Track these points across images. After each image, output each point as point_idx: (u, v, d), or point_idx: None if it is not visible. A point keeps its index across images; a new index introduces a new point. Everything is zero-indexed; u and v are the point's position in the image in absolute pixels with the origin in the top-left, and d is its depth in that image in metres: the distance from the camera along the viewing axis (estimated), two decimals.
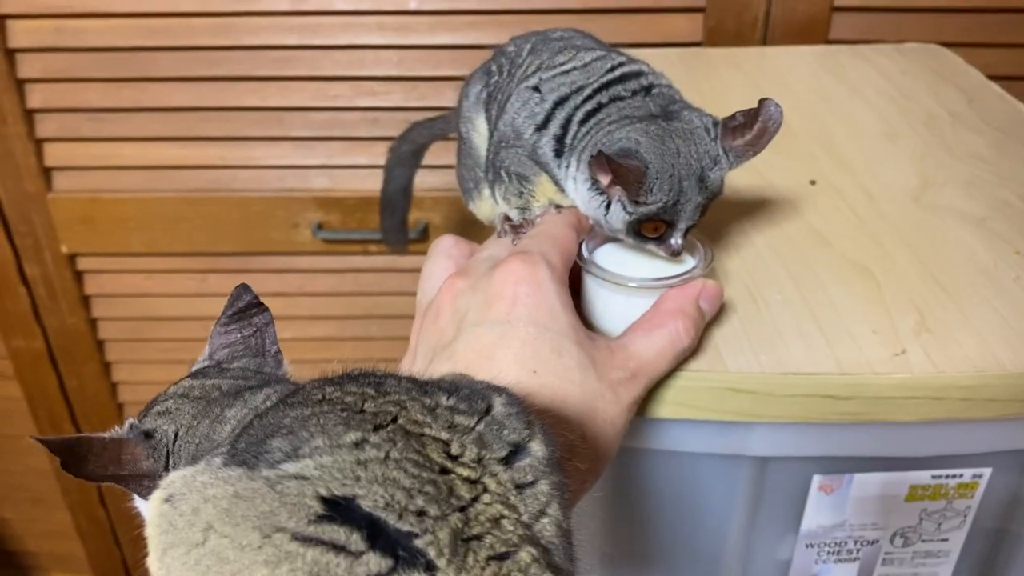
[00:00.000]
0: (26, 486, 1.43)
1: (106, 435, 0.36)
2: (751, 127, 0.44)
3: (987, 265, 0.53)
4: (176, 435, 0.37)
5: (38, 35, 1.03)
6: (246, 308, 0.43)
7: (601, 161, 0.43)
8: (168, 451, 0.36)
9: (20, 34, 1.03)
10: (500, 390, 0.32)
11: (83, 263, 1.18)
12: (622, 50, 0.52)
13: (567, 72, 0.48)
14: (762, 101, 0.44)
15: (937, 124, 0.71)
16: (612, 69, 0.48)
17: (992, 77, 0.80)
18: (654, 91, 0.47)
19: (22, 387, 1.29)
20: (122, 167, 1.12)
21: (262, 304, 0.43)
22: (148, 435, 0.37)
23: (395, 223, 0.73)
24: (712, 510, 0.53)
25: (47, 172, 1.11)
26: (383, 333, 1.22)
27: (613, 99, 0.47)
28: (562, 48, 0.51)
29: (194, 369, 0.42)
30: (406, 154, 0.70)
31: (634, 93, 0.47)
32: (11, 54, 1.03)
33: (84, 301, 1.21)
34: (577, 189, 0.47)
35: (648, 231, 0.45)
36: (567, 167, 0.47)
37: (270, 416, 0.30)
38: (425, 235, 1.12)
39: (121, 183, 1.12)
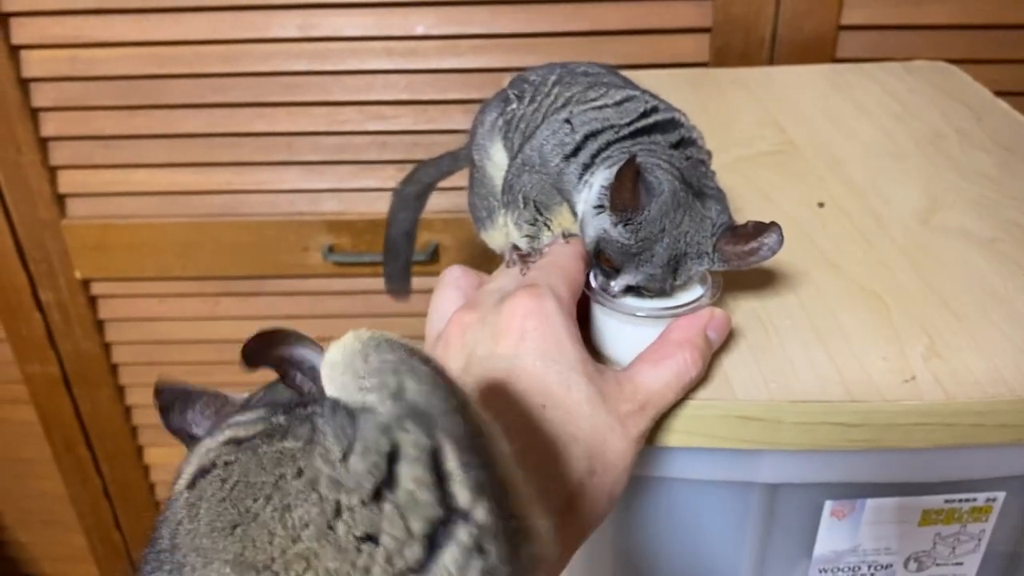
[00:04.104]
0: (41, 509, 1.44)
1: None
2: (748, 241, 0.44)
3: (997, 288, 0.53)
4: None
5: (52, 65, 1.04)
6: None
7: (626, 168, 0.42)
8: None
9: (34, 64, 1.04)
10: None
11: (97, 288, 1.19)
12: (648, 90, 0.52)
13: (600, 108, 0.49)
14: (772, 223, 0.44)
15: (945, 143, 0.71)
16: (646, 114, 0.48)
17: (1000, 93, 0.80)
18: (688, 151, 0.47)
19: (37, 411, 1.30)
20: (134, 193, 1.13)
21: None
22: None
23: (398, 268, 0.72)
24: (724, 537, 0.53)
25: (61, 199, 1.13)
26: None
27: (653, 145, 0.47)
28: (592, 84, 0.51)
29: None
30: (410, 196, 0.69)
31: (672, 145, 0.47)
32: (25, 83, 1.05)
33: (98, 326, 1.22)
34: (590, 192, 0.47)
35: (604, 259, 0.46)
36: (589, 179, 0.47)
37: (201, 505, 0.28)
38: (435, 256, 1.12)
39: (134, 209, 1.14)
